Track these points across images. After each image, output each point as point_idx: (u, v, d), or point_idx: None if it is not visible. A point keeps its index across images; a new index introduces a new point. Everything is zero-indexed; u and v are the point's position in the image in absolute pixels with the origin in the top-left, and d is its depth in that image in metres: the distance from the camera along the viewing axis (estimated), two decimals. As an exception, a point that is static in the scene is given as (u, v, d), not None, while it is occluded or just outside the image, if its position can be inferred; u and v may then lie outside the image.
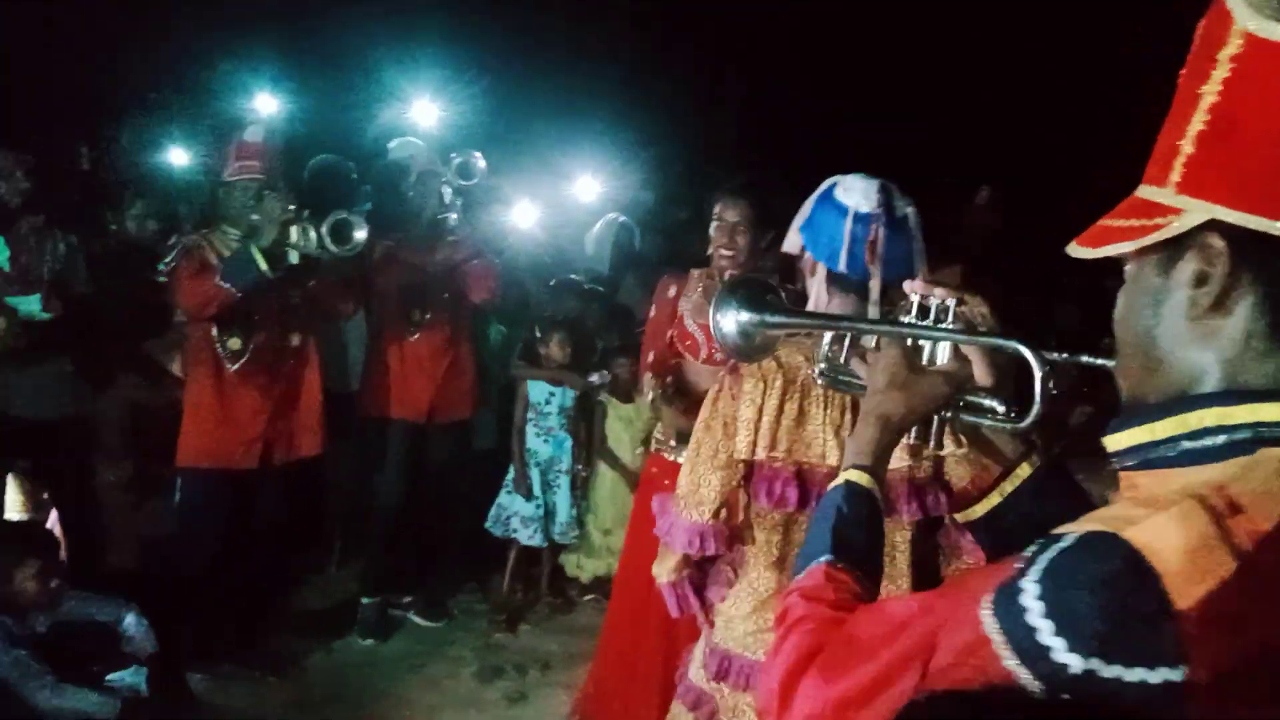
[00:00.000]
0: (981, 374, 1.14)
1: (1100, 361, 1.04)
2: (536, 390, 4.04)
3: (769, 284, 1.41)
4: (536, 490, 4.01)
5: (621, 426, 4.13)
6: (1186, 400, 0.77)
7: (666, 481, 3.02)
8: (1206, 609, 0.64)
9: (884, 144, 7.68)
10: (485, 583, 4.31)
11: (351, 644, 3.81)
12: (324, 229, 3.22)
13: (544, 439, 4.05)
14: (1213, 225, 0.74)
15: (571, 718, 3.25)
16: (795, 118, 8.27)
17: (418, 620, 4.01)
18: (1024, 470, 1.17)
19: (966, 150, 6.76)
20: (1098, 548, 0.69)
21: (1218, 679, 0.65)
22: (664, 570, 1.85)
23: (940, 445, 1.17)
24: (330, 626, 3.87)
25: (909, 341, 1.16)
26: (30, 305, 3.24)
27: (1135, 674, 0.66)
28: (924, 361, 1.16)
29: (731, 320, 1.34)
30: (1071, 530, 0.72)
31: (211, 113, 3.52)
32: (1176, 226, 0.75)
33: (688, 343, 2.99)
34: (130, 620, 2.99)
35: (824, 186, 1.80)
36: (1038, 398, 1.03)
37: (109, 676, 2.87)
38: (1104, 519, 0.72)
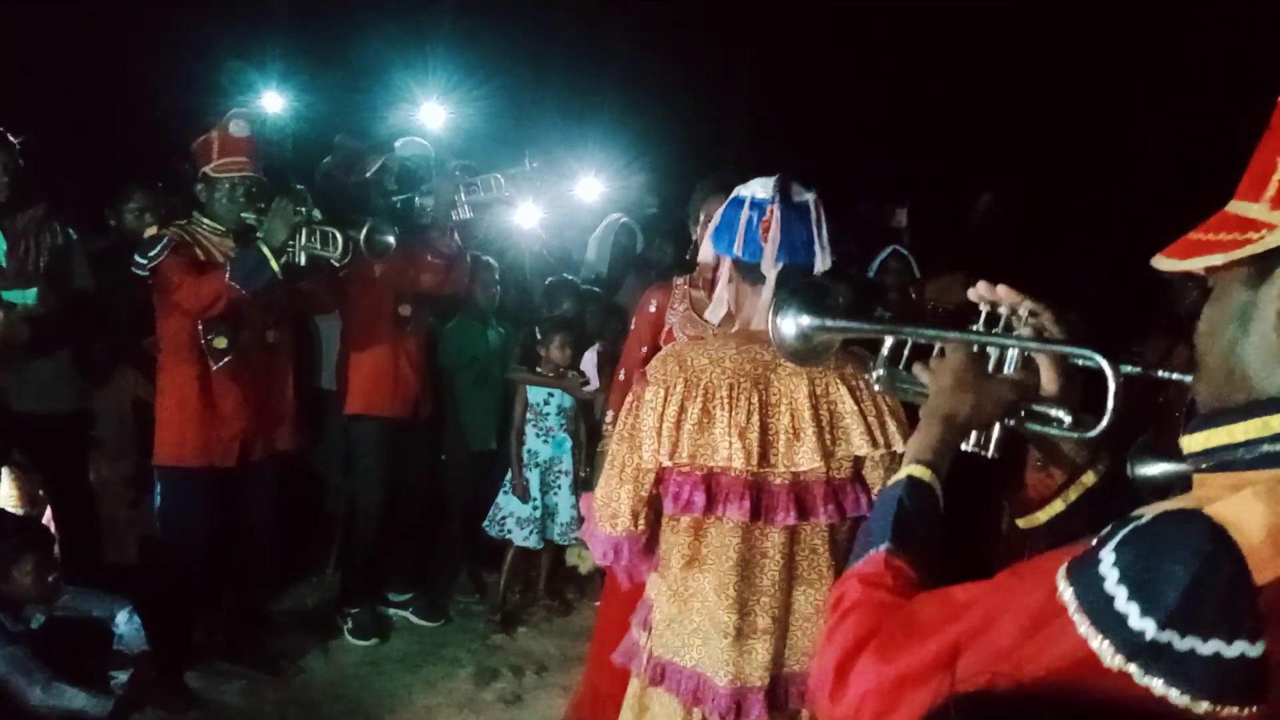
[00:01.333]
0: (1049, 383, 1.14)
1: (1176, 376, 1.04)
2: (536, 391, 4.03)
3: (830, 287, 1.42)
4: (534, 492, 3.99)
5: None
6: (1271, 404, 0.78)
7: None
8: None
9: (890, 148, 7.69)
10: (482, 584, 4.30)
11: (348, 644, 3.80)
12: (360, 235, 3.19)
13: (544, 439, 4.04)
14: None
15: (567, 720, 3.23)
16: (803, 119, 8.26)
17: (416, 620, 4.00)
18: (1089, 478, 1.17)
19: (972, 155, 6.74)
20: (1179, 520, 0.70)
21: None
22: (589, 560, 1.96)
23: (999, 452, 1.16)
24: (327, 626, 3.86)
25: (974, 348, 1.17)
26: (25, 299, 3.22)
27: (1210, 646, 0.66)
28: (990, 369, 1.16)
29: (792, 324, 1.35)
30: (1148, 511, 0.73)
31: (219, 111, 3.45)
32: (1271, 240, 0.76)
33: None
34: (122, 618, 2.98)
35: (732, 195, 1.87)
36: (1110, 408, 1.03)
37: (114, 679, 2.87)
38: (1182, 502, 0.73)
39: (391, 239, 3.28)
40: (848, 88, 8.26)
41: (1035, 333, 1.14)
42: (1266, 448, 0.76)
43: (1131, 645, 0.69)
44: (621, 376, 3.18)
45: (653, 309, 3.02)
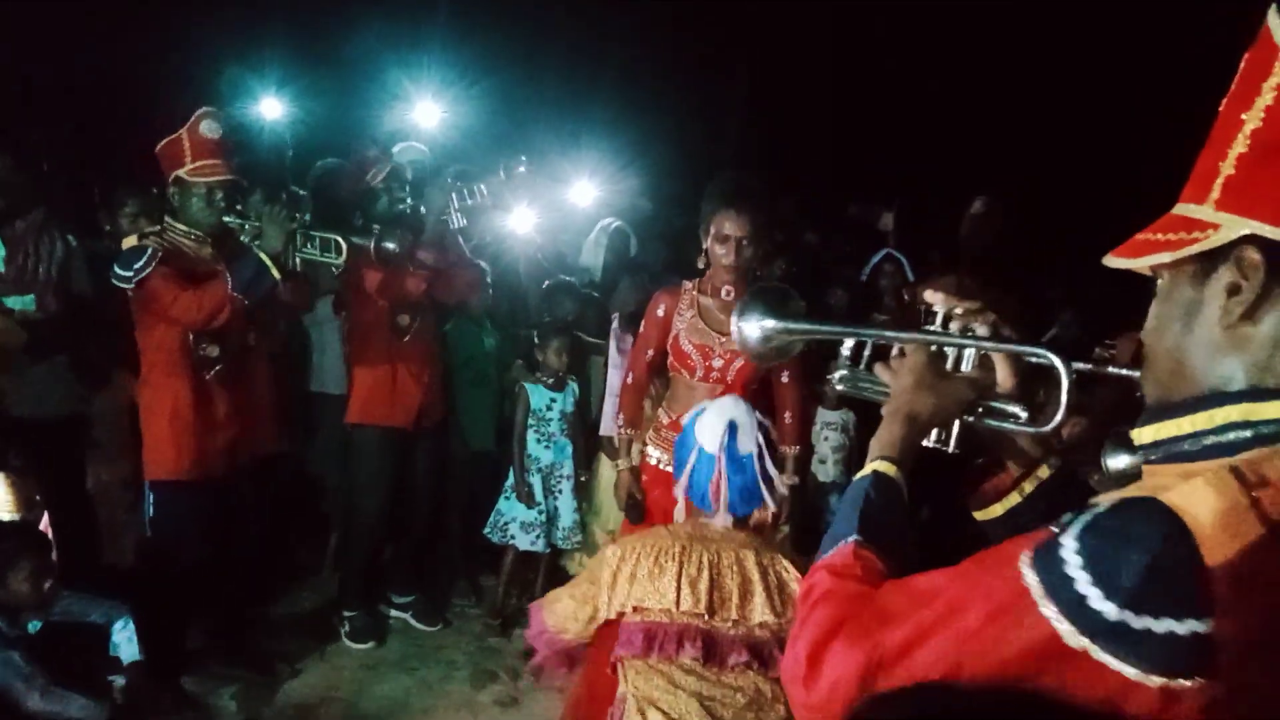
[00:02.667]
0: (1005, 381, 1.19)
1: (1125, 372, 1.09)
2: (538, 396, 4.02)
3: (793, 292, 1.47)
4: (538, 496, 4.00)
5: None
6: (1215, 398, 0.82)
7: (657, 491, 3.03)
8: (1235, 568, 0.69)
9: (885, 151, 7.70)
10: (479, 587, 4.31)
11: (345, 647, 3.81)
12: (369, 244, 3.18)
13: (545, 444, 4.03)
14: (1250, 240, 0.79)
15: (563, 723, 3.25)
16: (798, 123, 8.27)
17: (415, 624, 4.01)
18: (1043, 472, 1.21)
19: (968, 157, 6.75)
20: (1135, 507, 0.74)
21: (1241, 638, 0.69)
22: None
23: (959, 448, 1.21)
24: (324, 628, 3.87)
25: (933, 349, 1.21)
26: (24, 305, 3.23)
27: (1164, 625, 0.70)
28: (949, 368, 1.21)
29: (755, 326, 1.39)
30: (1106, 499, 0.77)
31: (224, 114, 3.41)
32: (1215, 239, 0.80)
33: (685, 361, 2.97)
34: (118, 626, 2.98)
35: None
36: (1063, 404, 1.07)
37: (114, 683, 2.87)
38: (1137, 490, 0.77)
39: (394, 245, 3.24)
40: (843, 89, 8.27)
41: (994, 333, 1.19)
42: (1213, 439, 0.80)
43: (1093, 626, 0.73)
44: (630, 380, 3.18)
45: (660, 313, 3.01)
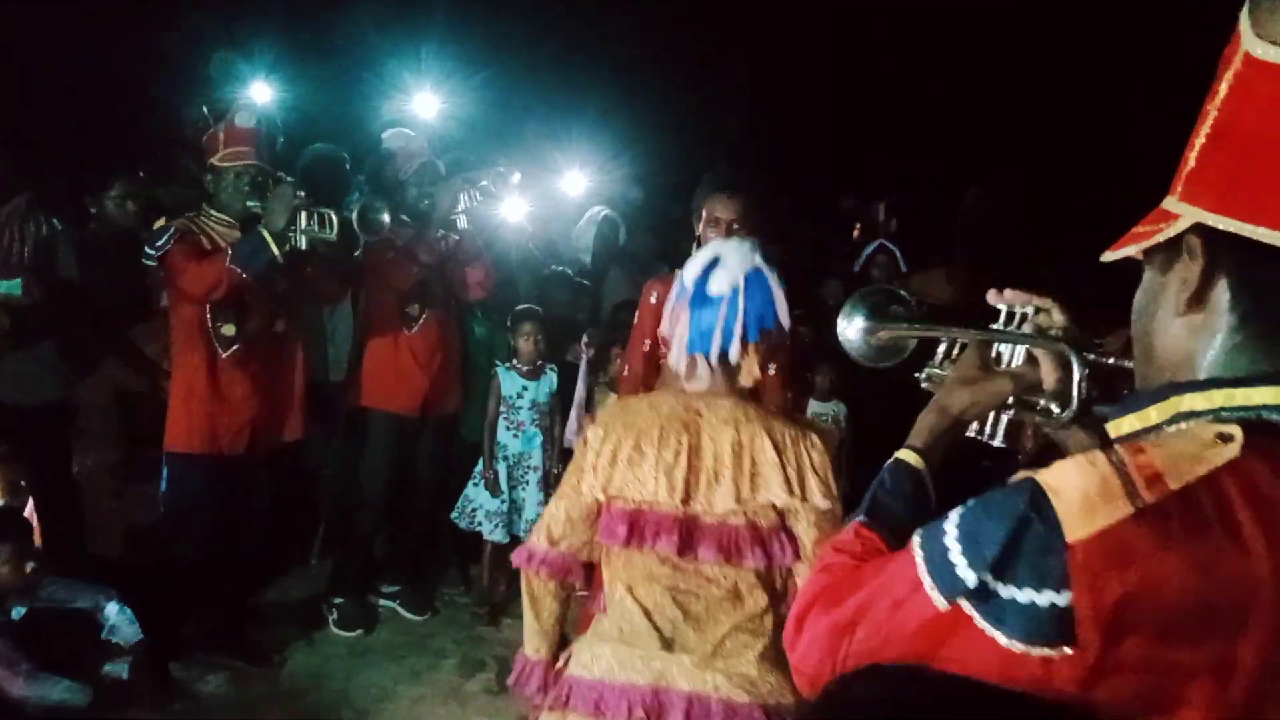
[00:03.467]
0: (1049, 377, 1.20)
1: (1129, 364, 1.10)
2: (509, 383, 3.99)
3: (896, 292, 1.50)
4: (502, 485, 3.98)
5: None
6: (1172, 387, 0.85)
7: None
8: (1095, 545, 0.72)
9: (882, 143, 7.70)
10: (468, 576, 4.31)
11: (334, 635, 3.80)
12: (352, 215, 3.25)
13: (514, 433, 4.00)
14: (1197, 229, 0.82)
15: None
16: (796, 118, 8.26)
17: (403, 612, 4.00)
18: None
19: (965, 151, 6.75)
20: (1012, 486, 0.79)
21: (1102, 611, 0.72)
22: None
23: (1006, 440, 1.24)
24: (313, 617, 3.86)
25: (992, 346, 1.25)
26: (9, 289, 3.21)
27: (1025, 595, 0.74)
28: (1002, 365, 1.24)
29: (855, 328, 1.43)
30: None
31: (208, 100, 3.46)
32: (1169, 231, 0.84)
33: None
34: (112, 609, 2.98)
35: None
36: (1074, 395, 1.11)
37: (106, 668, 2.87)
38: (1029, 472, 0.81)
39: (386, 217, 3.33)
40: (841, 81, 8.26)
41: (1037, 329, 1.21)
42: (1169, 429, 0.83)
43: (956, 591, 0.78)
44: (627, 373, 3.18)
45: (654, 300, 3.02)
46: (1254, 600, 0.71)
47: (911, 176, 6.32)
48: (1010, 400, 1.21)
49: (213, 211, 3.32)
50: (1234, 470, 0.74)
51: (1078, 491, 0.74)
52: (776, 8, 8.17)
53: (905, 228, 5.44)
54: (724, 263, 1.87)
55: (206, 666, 3.44)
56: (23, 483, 2.97)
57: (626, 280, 4.16)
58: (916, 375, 1.63)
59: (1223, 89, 0.82)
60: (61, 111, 4.88)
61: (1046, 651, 0.74)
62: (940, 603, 0.80)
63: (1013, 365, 1.23)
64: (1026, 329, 1.22)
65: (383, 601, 4.05)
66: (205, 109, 3.46)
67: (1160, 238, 0.85)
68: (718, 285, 1.86)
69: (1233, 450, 0.75)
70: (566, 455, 4.16)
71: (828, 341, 2.47)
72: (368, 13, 6.92)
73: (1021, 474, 0.80)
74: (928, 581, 0.81)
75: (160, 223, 3.40)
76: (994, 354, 1.26)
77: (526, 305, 4.10)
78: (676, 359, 1.91)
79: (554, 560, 1.91)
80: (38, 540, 2.89)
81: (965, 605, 0.78)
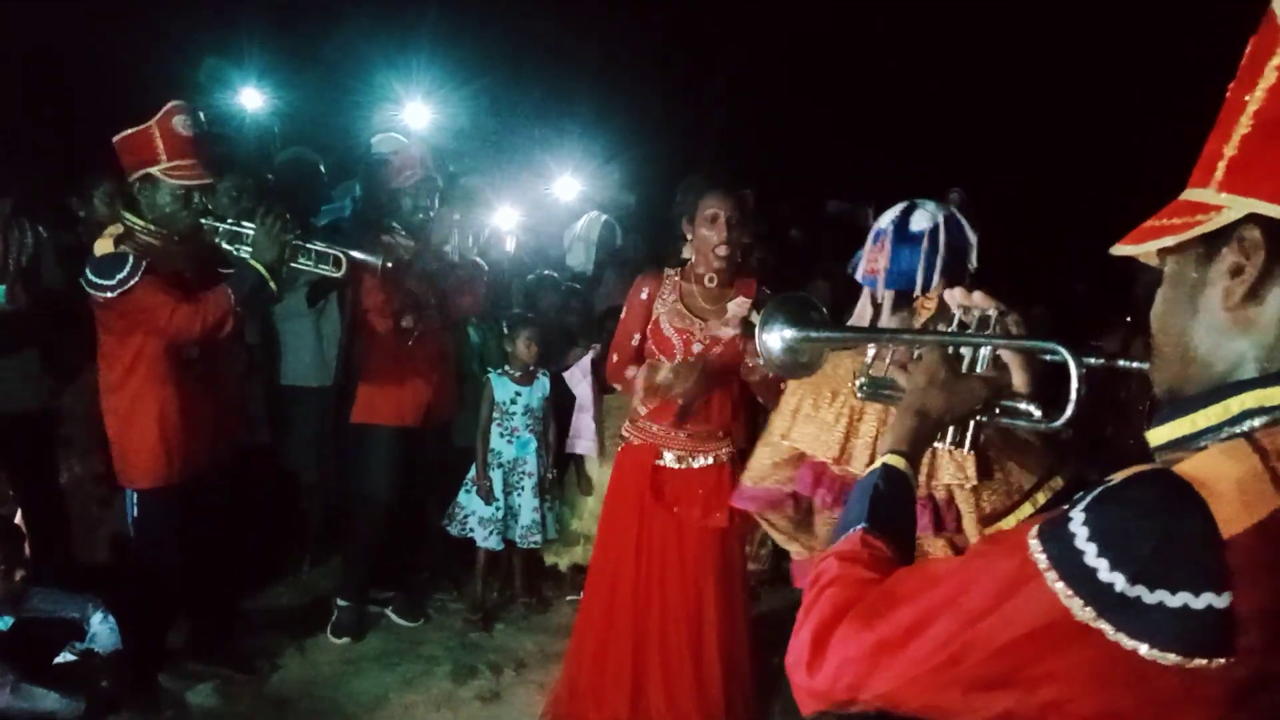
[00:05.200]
0: (1019, 380, 1.19)
1: (1136, 365, 1.07)
2: (502, 390, 3.97)
3: (812, 300, 1.46)
4: (497, 492, 3.95)
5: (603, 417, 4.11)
6: (1226, 388, 0.79)
7: (632, 472, 3.02)
8: (1254, 540, 0.66)
9: (865, 146, 7.73)
10: (461, 582, 4.28)
11: (325, 642, 3.77)
12: (378, 262, 3.04)
13: (508, 439, 3.97)
14: (1251, 219, 0.78)
15: (544, 717, 3.23)
16: (779, 119, 8.28)
17: (396, 619, 3.98)
18: (1056, 483, 1.24)
19: (945, 153, 6.78)
20: (1148, 479, 0.72)
21: (1262, 615, 0.65)
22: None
23: (974, 447, 1.21)
24: (304, 625, 3.83)
25: (950, 349, 1.22)
26: (-6, 296, 3.17)
27: (1179, 599, 0.67)
28: (964, 368, 1.21)
29: (777, 338, 1.39)
30: (1119, 475, 0.75)
31: (199, 107, 3.32)
32: (1218, 221, 0.79)
33: (665, 346, 2.96)
34: (96, 618, 2.95)
35: None
36: (1072, 398, 1.07)
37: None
38: (1149, 465, 0.74)
39: (405, 256, 3.31)
40: (825, 84, 8.29)
41: (1005, 332, 1.19)
42: (1228, 430, 0.77)
43: (1102, 599, 0.70)
44: (615, 359, 3.16)
45: (644, 296, 3.02)
46: None
47: (901, 181, 6.34)
48: (984, 406, 1.19)
49: (141, 223, 2.92)
50: None
51: (1228, 481, 0.69)
52: (753, 19, 8.21)
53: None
54: (923, 206, 1.97)
55: (197, 676, 3.40)
56: (10, 491, 2.95)
57: (621, 283, 4.16)
58: (852, 385, 1.63)
59: (1267, 80, 0.78)
60: (47, 117, 4.85)
61: (1200, 663, 0.67)
62: (1082, 613, 0.71)
63: (980, 369, 1.20)
64: (993, 332, 1.20)
65: (373, 608, 4.03)
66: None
67: (1199, 230, 0.80)
68: (919, 222, 1.95)
69: None
70: (564, 461, 4.16)
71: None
72: (358, 23, 6.92)
73: (1138, 468, 0.74)
74: (1060, 587, 0.72)
75: (105, 245, 2.89)
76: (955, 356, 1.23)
77: (521, 312, 4.09)
78: (880, 295, 2.02)
79: (759, 496, 2.14)
80: (27, 549, 2.86)
81: (1101, 613, 0.71)
